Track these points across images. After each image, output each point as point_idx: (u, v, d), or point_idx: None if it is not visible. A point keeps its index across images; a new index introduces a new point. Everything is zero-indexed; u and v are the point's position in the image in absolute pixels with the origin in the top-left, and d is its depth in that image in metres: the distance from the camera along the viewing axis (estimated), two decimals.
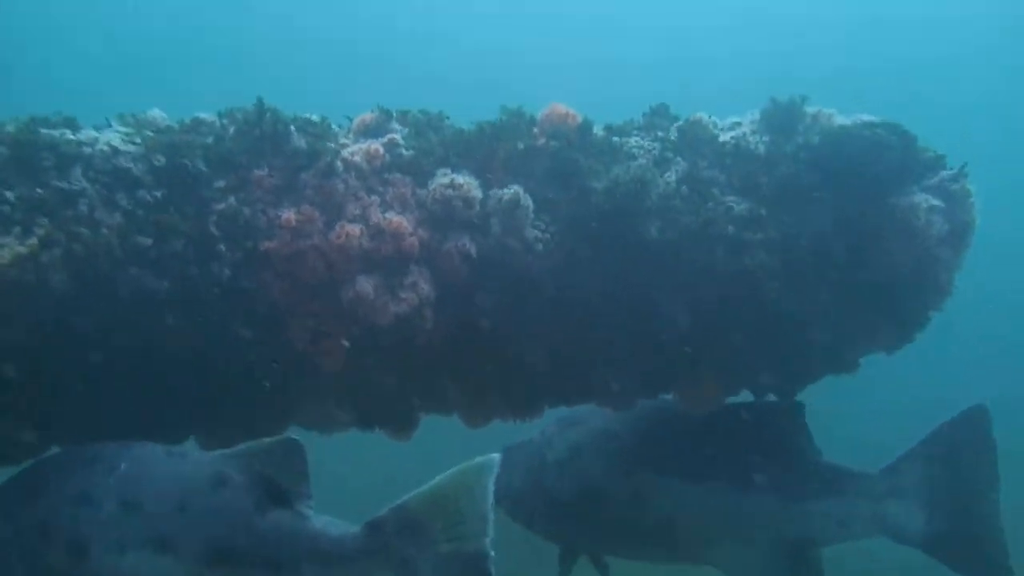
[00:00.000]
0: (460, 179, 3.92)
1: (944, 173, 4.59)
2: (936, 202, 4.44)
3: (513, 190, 3.99)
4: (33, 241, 3.18)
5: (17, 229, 3.22)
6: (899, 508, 4.86)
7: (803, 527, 4.91)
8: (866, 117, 4.69)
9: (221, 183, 3.70)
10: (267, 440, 3.29)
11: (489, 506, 2.93)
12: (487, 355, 4.09)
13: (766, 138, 4.70)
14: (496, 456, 3.03)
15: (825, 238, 4.42)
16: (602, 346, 4.21)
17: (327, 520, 3.15)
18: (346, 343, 3.69)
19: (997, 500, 4.72)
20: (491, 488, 2.95)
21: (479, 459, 3.04)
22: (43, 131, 3.61)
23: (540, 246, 4.01)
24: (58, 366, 3.39)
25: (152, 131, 3.95)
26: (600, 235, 4.10)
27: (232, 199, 3.66)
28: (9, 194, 3.28)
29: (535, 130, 4.43)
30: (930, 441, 4.89)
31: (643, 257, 4.16)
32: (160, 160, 3.58)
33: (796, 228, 4.38)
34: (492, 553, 2.93)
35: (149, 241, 3.39)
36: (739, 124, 4.91)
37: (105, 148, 3.52)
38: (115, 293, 3.33)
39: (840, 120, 4.71)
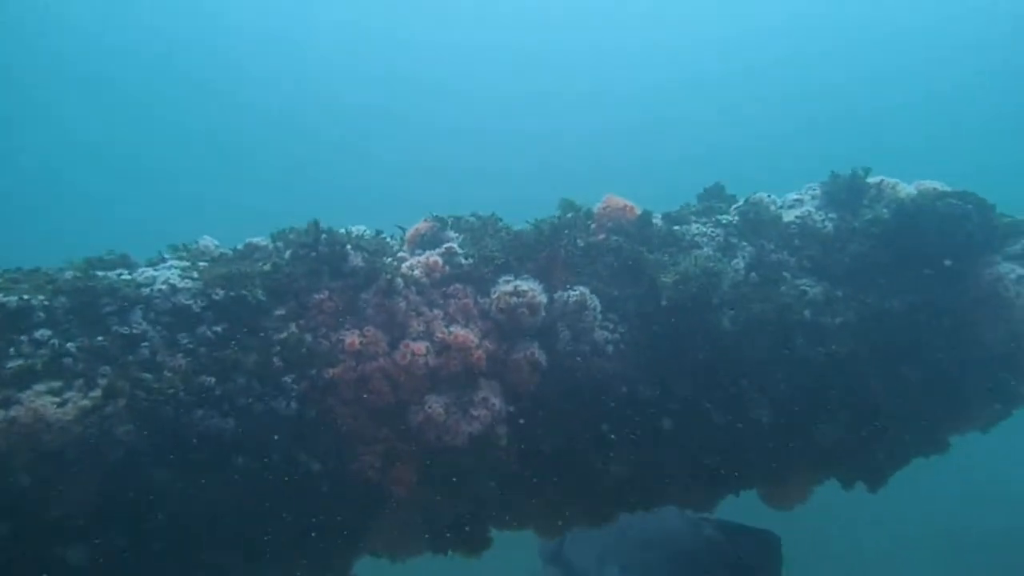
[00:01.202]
0: (524, 285, 3.77)
1: None
2: (1022, 271, 4.22)
3: (579, 292, 3.83)
4: (96, 393, 3.07)
5: (80, 381, 3.12)
6: None
7: None
8: (932, 184, 4.51)
9: (281, 311, 3.60)
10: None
11: None
12: (564, 467, 3.87)
13: (832, 215, 4.53)
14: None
15: (909, 317, 4.20)
16: (677, 448, 3.97)
17: None
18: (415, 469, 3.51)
19: None
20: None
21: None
22: (100, 274, 3.56)
23: (611, 348, 3.83)
24: (129, 521, 3.24)
25: (206, 261, 3.90)
26: (671, 331, 3.91)
27: (293, 327, 3.55)
28: (71, 345, 3.19)
29: (592, 225, 4.31)
30: None
31: (716, 350, 3.96)
32: (219, 294, 3.49)
33: (876, 308, 4.17)
34: None
35: (212, 380, 3.27)
36: (800, 201, 4.76)
37: (164, 287, 3.44)
38: (182, 438, 3.19)
39: (906, 189, 4.55)
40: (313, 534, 3.57)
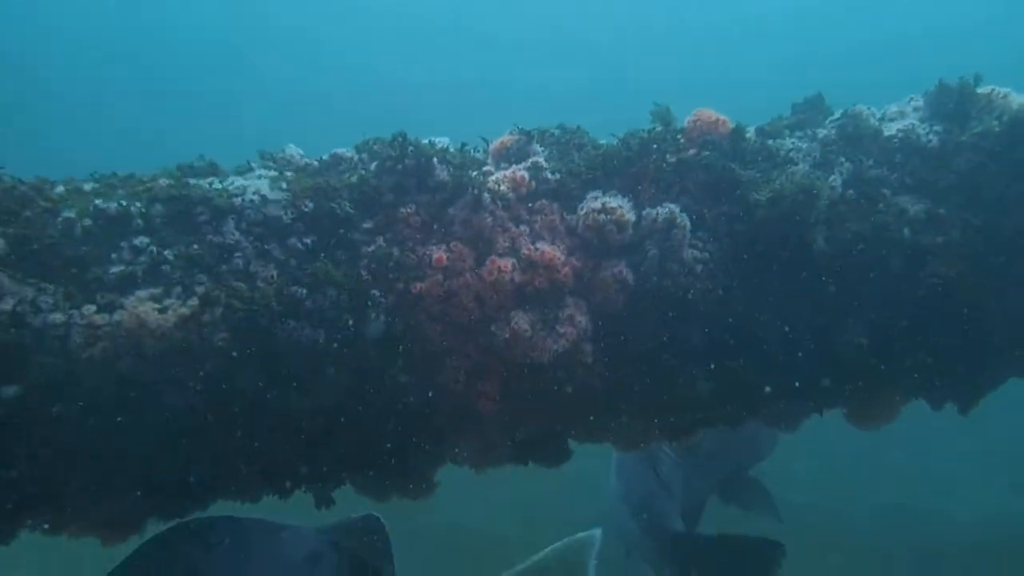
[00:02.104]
0: (612, 202, 3.68)
1: None
2: None
3: (668, 209, 3.73)
4: (194, 301, 3.14)
5: (178, 289, 3.19)
6: None
7: None
8: None
9: (369, 224, 3.60)
10: (352, 517, 3.23)
11: None
12: (648, 384, 3.85)
13: (937, 127, 4.27)
14: (598, 532, 2.89)
15: (1019, 237, 3.97)
16: (765, 367, 3.90)
17: None
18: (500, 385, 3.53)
19: None
20: (593, 566, 2.84)
21: (580, 535, 2.90)
22: (192, 182, 3.60)
23: (700, 267, 3.74)
24: (226, 425, 3.35)
25: (292, 171, 3.91)
26: (765, 251, 3.79)
27: (381, 240, 3.55)
28: (168, 252, 3.25)
29: (682, 140, 4.15)
30: None
31: (812, 271, 3.83)
32: (308, 206, 3.50)
33: (983, 227, 3.96)
34: None
35: (303, 291, 3.31)
36: (903, 114, 4.49)
37: (255, 198, 3.46)
38: (274, 348, 3.26)
39: (1019, 100, 4.24)
40: (399, 444, 3.65)
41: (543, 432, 3.88)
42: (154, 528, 3.59)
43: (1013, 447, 11.87)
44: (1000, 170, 4.03)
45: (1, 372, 2.95)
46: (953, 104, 4.33)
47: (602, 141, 4.22)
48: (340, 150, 4.07)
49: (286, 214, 3.47)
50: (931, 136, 4.21)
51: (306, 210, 3.49)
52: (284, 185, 3.60)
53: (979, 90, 4.36)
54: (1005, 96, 4.31)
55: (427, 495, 3.99)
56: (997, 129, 4.10)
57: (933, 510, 10.10)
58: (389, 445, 3.67)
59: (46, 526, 3.42)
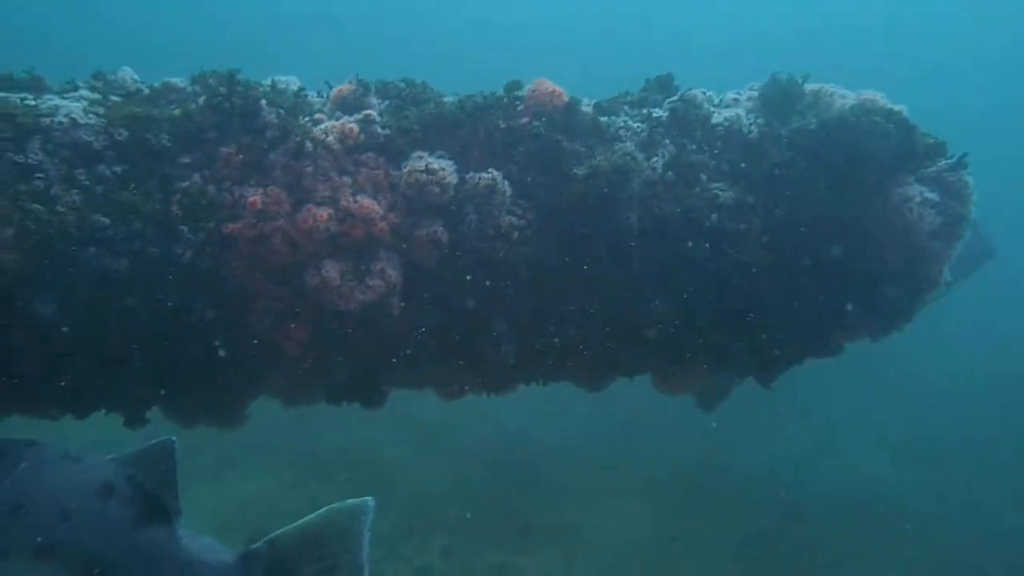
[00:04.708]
0: (436, 163, 3.78)
1: (942, 163, 4.43)
2: (931, 195, 4.28)
3: (490, 175, 3.85)
4: None
5: None
6: None
7: None
8: (874, 97, 4.48)
9: (186, 159, 3.58)
10: (148, 444, 3.14)
11: (364, 556, 2.74)
12: (461, 339, 4.01)
13: (761, 120, 4.52)
14: (370, 501, 2.79)
15: (817, 229, 4.29)
16: (577, 333, 4.12)
17: (204, 544, 2.92)
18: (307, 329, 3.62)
19: None
20: (367, 535, 2.74)
21: (351, 502, 2.77)
22: (2, 95, 3.49)
23: (516, 233, 3.89)
24: (18, 345, 3.33)
25: (121, 95, 3.83)
26: (582, 224, 3.98)
27: (197, 177, 3.55)
28: None
29: (520, 108, 4.27)
30: None
31: (623, 246, 4.05)
32: (122, 134, 3.46)
33: (785, 218, 4.25)
34: None
35: (107, 221, 3.29)
36: (737, 102, 4.73)
37: (64, 120, 3.39)
38: (73, 273, 3.24)
39: (841, 102, 4.52)
40: (204, 377, 3.71)
41: (356, 375, 4.00)
42: None
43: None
44: (808, 166, 4.32)
45: None
46: (780, 98, 4.60)
47: (447, 98, 4.29)
48: (174, 80, 4.02)
49: (97, 140, 3.42)
50: (753, 128, 4.46)
51: (119, 138, 3.45)
52: (101, 111, 3.54)
53: (808, 87, 4.63)
54: (831, 95, 4.59)
55: (237, 425, 4.07)
56: (811, 127, 4.38)
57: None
58: (193, 376, 3.72)
59: None
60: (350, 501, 2.82)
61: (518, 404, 5.57)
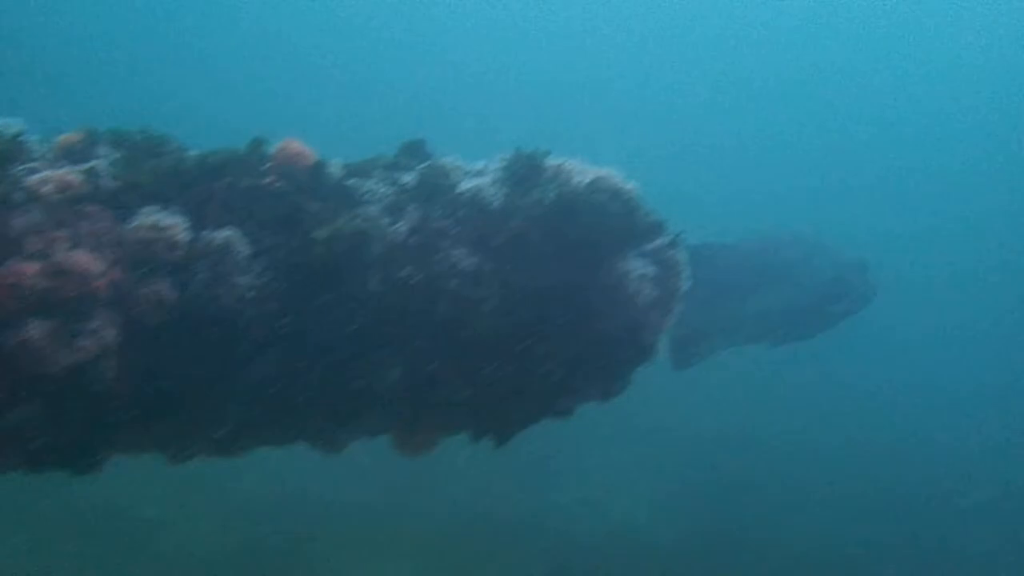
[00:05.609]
0: (167, 220, 3.69)
1: (660, 240, 4.90)
2: (649, 270, 4.74)
3: (227, 234, 3.82)
4: None
5: None
6: None
7: None
8: (609, 175, 4.88)
9: None
10: None
11: None
12: (189, 399, 3.91)
13: (505, 190, 4.80)
14: None
15: (547, 296, 4.59)
16: (312, 395, 4.14)
17: None
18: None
19: None
20: None
21: None
22: None
23: (252, 293, 3.87)
24: None
25: None
26: (320, 286, 4.02)
27: None
28: None
29: (268, 167, 4.27)
30: None
31: (364, 309, 4.13)
32: None
33: (518, 286, 4.52)
34: None
35: None
36: (484, 172, 4.99)
37: None
38: None
39: (579, 178, 4.89)
40: None
41: (62, 440, 3.77)
42: None
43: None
44: (543, 237, 4.64)
45: None
46: (523, 171, 4.91)
47: (192, 153, 4.21)
48: None
49: None
50: (496, 197, 4.72)
51: None
52: None
53: (550, 162, 4.98)
54: (570, 171, 4.95)
55: None
56: (548, 200, 4.72)
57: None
58: None
59: None
60: None
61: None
